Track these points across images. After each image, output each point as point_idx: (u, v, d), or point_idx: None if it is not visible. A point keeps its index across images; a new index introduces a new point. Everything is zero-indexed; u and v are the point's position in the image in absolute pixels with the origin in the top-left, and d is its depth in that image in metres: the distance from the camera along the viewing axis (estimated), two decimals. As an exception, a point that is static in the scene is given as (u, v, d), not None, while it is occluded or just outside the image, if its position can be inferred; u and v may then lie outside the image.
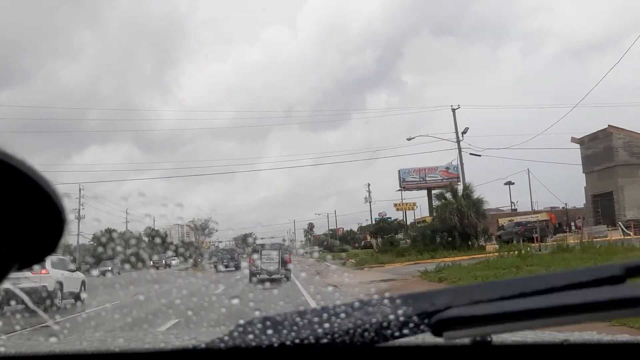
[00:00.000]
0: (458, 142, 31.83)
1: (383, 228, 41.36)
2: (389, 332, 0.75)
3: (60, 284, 13.85)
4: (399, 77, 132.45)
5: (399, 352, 0.90)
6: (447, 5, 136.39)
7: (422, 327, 0.76)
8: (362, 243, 77.17)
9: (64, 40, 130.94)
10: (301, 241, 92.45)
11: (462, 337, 0.79)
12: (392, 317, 0.76)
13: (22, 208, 0.57)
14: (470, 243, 27.27)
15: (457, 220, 26.22)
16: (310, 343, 0.78)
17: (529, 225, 33.33)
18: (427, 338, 0.87)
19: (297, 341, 0.80)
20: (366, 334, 0.75)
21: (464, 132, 32.96)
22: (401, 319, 0.77)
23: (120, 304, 9.15)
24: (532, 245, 22.41)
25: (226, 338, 0.82)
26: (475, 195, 29.66)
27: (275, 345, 0.79)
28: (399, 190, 65.44)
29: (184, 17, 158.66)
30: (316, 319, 0.81)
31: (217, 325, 2.38)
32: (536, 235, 29.09)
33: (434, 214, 29.33)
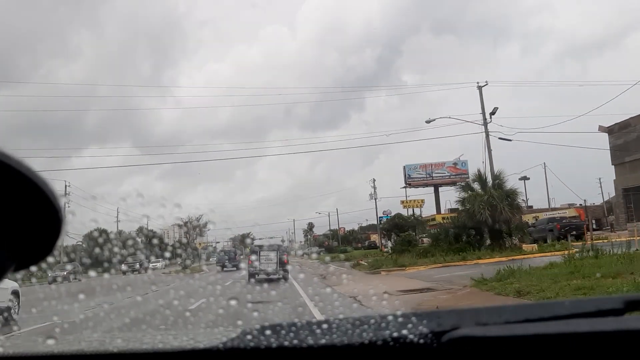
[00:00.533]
0: (485, 124, 27.56)
1: (399, 225, 35.76)
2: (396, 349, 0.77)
3: None
4: (398, 76, 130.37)
5: (399, 352, 0.91)
6: (447, 4, 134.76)
7: (433, 346, 0.77)
8: (366, 243, 74.49)
9: (61, 40, 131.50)
10: (300, 242, 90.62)
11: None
12: (402, 333, 0.78)
13: (19, 208, 0.58)
14: (501, 242, 23.13)
15: (487, 215, 22.08)
16: (309, 346, 0.78)
17: (564, 221, 29.16)
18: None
19: (295, 342, 0.80)
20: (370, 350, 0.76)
21: (492, 113, 28.05)
22: (410, 337, 0.78)
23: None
24: (573, 244, 19.16)
25: (225, 339, 0.83)
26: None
27: (274, 346, 0.80)
28: (404, 187, 63.44)
29: (182, 16, 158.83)
30: (319, 331, 0.82)
31: (215, 326, 2.63)
32: (574, 233, 25.75)
33: (460, 208, 24.91)
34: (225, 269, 29.49)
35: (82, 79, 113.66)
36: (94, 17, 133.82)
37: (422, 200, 60.62)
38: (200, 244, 51.80)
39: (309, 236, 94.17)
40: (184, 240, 54.32)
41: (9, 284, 11.32)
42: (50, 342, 1.16)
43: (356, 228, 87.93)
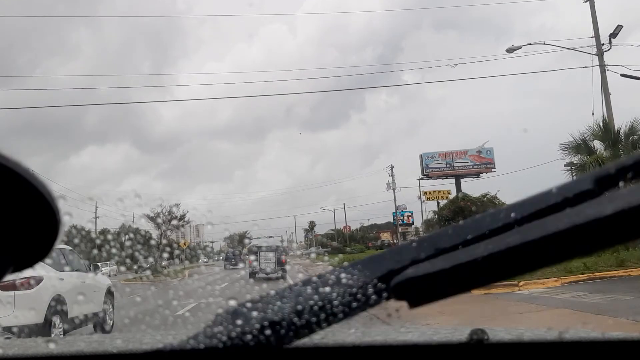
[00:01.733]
0: (599, 52, 19.94)
1: (465, 210, 27.45)
2: (355, 303, 0.73)
3: (60, 300, 6.69)
4: (399, 75, 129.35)
5: (397, 352, 0.95)
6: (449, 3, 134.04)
7: (384, 294, 0.72)
8: (379, 242, 70.91)
9: (60, 38, 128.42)
10: (299, 242, 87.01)
11: (429, 300, 0.71)
12: (354, 288, 0.75)
13: (17, 210, 0.59)
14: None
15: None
16: (285, 334, 0.77)
17: None
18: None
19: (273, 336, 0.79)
20: (334, 307, 0.74)
21: (613, 35, 19.99)
22: (362, 288, 0.75)
23: None
24: None
25: (225, 339, 0.82)
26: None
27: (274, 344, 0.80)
28: (420, 178, 58.85)
29: (182, 15, 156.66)
30: (279, 303, 0.82)
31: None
32: None
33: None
34: (232, 267, 34.07)
35: (80, 77, 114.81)
36: (93, 15, 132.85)
37: (449, 191, 56.20)
38: (184, 242, 46.58)
39: (310, 235, 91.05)
40: (155, 238, 46.38)
41: (103, 281, 8.73)
42: (52, 345, 1.16)
43: (359, 227, 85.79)
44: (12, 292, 5.81)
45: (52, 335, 6.06)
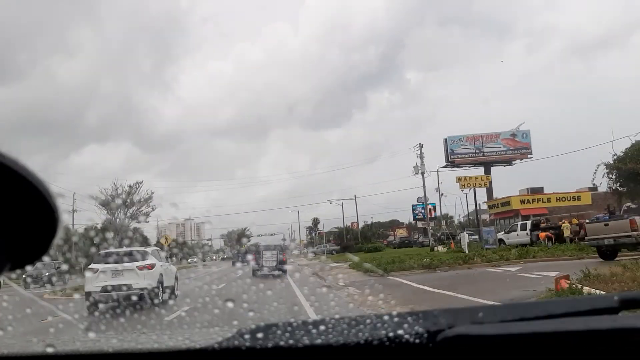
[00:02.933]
0: None
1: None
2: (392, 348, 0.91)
3: (161, 277, 14.06)
4: (401, 73, 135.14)
5: (394, 352, 1.01)
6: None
7: (429, 345, 0.90)
8: (397, 239, 72.06)
9: (60, 36, 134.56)
10: (302, 240, 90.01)
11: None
12: (397, 332, 0.92)
13: (15, 208, 0.66)
14: None
15: None
16: (305, 345, 0.92)
17: None
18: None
19: (291, 342, 0.96)
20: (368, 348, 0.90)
21: None
22: (406, 336, 0.92)
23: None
24: None
25: (220, 339, 0.97)
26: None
27: (269, 346, 0.93)
28: (444, 167, 58.05)
29: (184, 13, 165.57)
30: (315, 331, 0.96)
31: (211, 326, 2.89)
32: None
33: None
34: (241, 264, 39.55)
35: (82, 76, 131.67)
36: (94, 13, 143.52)
37: (487, 177, 54.33)
38: (166, 238, 43.76)
39: (314, 233, 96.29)
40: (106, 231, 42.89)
41: (172, 268, 16.18)
42: (49, 349, 1.29)
43: (370, 223, 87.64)
44: (144, 271, 12.94)
45: (160, 294, 13.11)
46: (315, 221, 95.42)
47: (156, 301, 12.83)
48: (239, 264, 38.00)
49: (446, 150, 58.12)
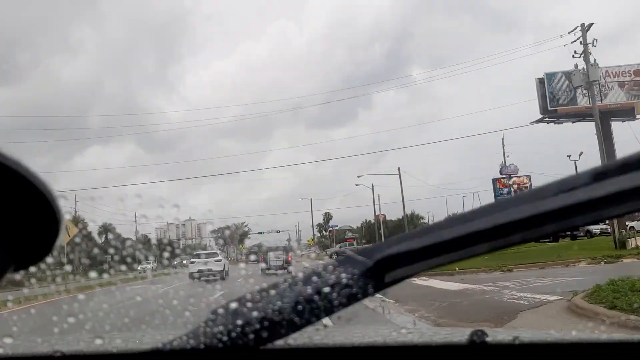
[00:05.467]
0: None
1: None
2: (348, 290, 0.90)
3: (226, 266, 30.00)
4: (406, 72, 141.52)
5: (397, 353, 1.14)
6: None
7: (368, 273, 0.89)
8: None
9: (63, 35, 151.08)
10: (311, 239, 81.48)
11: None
12: (343, 277, 0.91)
13: (18, 209, 0.70)
14: None
15: None
16: (278, 321, 0.93)
17: None
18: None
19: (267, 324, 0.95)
20: (326, 301, 0.91)
21: None
22: (350, 274, 0.92)
23: None
24: None
25: (201, 329, 1.01)
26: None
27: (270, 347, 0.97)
28: (535, 121, 40.52)
29: (188, 11, 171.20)
30: (273, 292, 0.98)
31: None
32: None
33: None
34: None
35: (84, 76, 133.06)
36: (97, 12, 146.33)
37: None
38: (67, 227, 33.92)
39: (324, 232, 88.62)
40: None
41: (226, 262, 32.84)
42: (53, 346, 1.30)
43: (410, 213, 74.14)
44: (218, 262, 29.02)
45: (224, 274, 28.85)
46: (328, 216, 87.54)
47: (224, 277, 27.22)
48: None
49: (543, 95, 38.92)
